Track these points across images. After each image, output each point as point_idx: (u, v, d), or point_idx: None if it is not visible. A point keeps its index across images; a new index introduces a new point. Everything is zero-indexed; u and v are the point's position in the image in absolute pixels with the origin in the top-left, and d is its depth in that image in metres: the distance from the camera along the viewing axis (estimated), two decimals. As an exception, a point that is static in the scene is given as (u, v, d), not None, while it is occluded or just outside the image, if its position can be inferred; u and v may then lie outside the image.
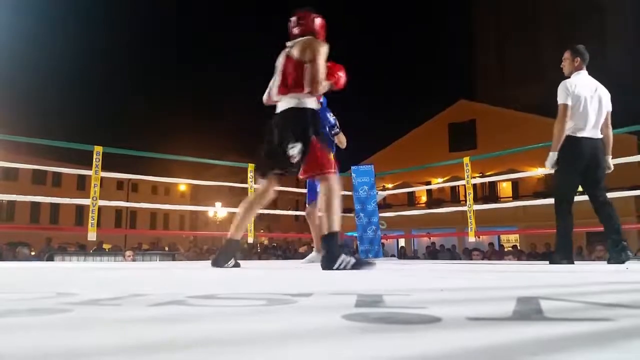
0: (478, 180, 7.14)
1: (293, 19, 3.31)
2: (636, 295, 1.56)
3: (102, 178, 5.56)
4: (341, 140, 4.80)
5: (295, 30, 3.29)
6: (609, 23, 34.60)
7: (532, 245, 13.55)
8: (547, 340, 0.73)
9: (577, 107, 3.94)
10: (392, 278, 2.47)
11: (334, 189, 3.08)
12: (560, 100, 3.98)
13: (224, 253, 3.28)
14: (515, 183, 24.37)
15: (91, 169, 5.47)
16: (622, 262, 3.73)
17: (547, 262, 4.24)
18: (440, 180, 23.21)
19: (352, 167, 7.04)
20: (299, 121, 3.09)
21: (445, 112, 27.29)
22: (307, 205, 4.91)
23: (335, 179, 3.11)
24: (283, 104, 3.17)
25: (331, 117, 4.76)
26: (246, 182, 6.68)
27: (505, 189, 25.18)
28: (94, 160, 5.47)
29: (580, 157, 3.93)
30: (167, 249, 16.11)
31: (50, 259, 8.24)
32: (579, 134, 3.94)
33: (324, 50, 3.12)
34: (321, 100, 4.62)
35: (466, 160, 6.51)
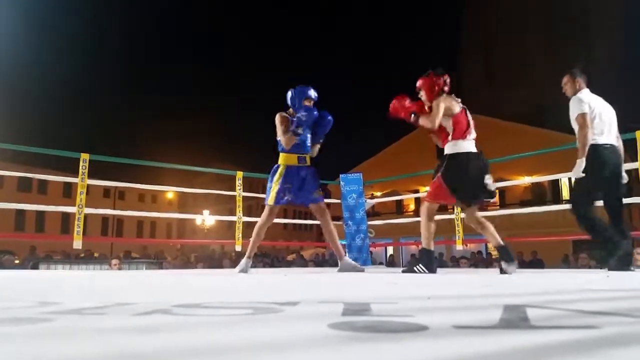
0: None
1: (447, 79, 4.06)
2: (619, 302, 1.57)
3: (88, 185, 5.51)
4: (316, 150, 4.58)
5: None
6: (599, 32, 35.11)
7: (519, 254, 13.60)
8: (532, 348, 0.73)
9: (593, 116, 4.00)
10: (380, 286, 2.47)
11: None
12: (577, 111, 4.02)
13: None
14: (502, 191, 24.50)
15: (77, 177, 5.43)
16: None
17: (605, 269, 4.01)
18: (427, 188, 23.28)
19: (340, 175, 7.05)
20: None
21: (433, 121, 27.42)
22: (276, 204, 4.36)
23: None
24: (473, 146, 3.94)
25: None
26: (234, 190, 6.64)
27: (493, 197, 25.31)
28: (80, 167, 5.42)
29: (605, 165, 3.96)
30: (154, 257, 15.95)
31: (35, 267, 8.13)
32: (601, 141, 3.97)
33: None
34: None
35: (454, 168, 6.53)
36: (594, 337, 0.84)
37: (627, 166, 5.75)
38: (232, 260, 13.34)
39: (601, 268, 3.95)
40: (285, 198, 4.35)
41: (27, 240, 12.31)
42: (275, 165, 4.44)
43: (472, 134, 3.95)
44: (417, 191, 21.71)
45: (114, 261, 7.72)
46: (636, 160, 4.74)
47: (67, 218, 31.90)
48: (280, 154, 4.44)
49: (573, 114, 4.08)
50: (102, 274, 4.87)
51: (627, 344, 0.79)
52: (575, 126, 4.10)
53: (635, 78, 34.62)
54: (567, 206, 4.27)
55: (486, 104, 31.68)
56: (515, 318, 1.01)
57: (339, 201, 7.11)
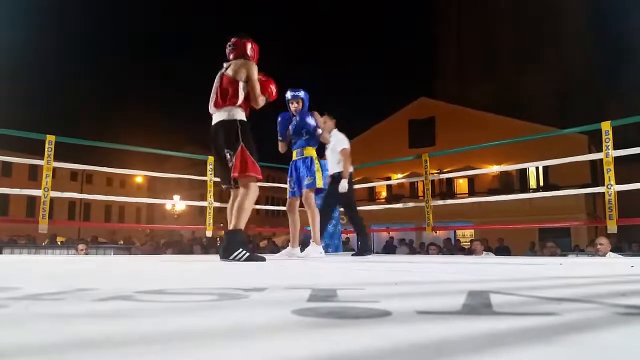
0: (436, 177, 7.24)
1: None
2: (580, 289, 1.60)
3: (55, 168, 5.37)
4: (324, 138, 5.07)
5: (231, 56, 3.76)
6: (566, 26, 35.72)
7: (485, 240, 13.88)
8: (494, 334, 0.74)
9: None
10: (350, 272, 2.48)
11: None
12: (346, 145, 5.39)
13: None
14: (471, 180, 24.90)
15: (43, 159, 5.28)
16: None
17: (356, 254, 5.38)
18: (400, 175, 23.51)
19: (312, 161, 7.02)
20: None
21: (406, 109, 27.58)
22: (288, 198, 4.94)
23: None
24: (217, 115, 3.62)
25: (312, 121, 4.84)
26: (205, 175, 6.57)
27: (462, 185, 25.68)
28: (46, 149, 5.28)
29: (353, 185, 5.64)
30: (122, 242, 15.73)
31: (-2, 251, 7.92)
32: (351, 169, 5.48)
33: (254, 69, 3.63)
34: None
35: (425, 156, 6.59)
36: (554, 323, 0.85)
37: (592, 156, 5.94)
38: (202, 246, 13.25)
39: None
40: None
41: (-10, 224, 11.99)
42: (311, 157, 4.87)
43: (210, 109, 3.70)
44: (389, 178, 21.90)
45: (81, 246, 7.57)
46: (601, 151, 4.85)
47: (32, 201, 31.18)
48: (312, 149, 4.91)
49: (340, 145, 5.37)
50: (67, 259, 4.77)
51: (587, 329, 0.80)
52: (334, 153, 5.42)
53: (605, 70, 35.49)
54: (533, 195, 4.41)
55: (456, 93, 32.04)
56: (478, 304, 1.02)
57: (310, 187, 7.09)
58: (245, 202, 3.43)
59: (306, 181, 4.75)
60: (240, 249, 3.25)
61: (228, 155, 3.46)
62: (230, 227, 3.42)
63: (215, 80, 3.68)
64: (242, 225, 3.39)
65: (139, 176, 37.66)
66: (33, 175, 31.41)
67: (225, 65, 3.72)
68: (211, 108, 3.64)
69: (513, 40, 36.71)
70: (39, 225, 5.21)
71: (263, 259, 3.38)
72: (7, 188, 6.49)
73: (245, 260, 3.22)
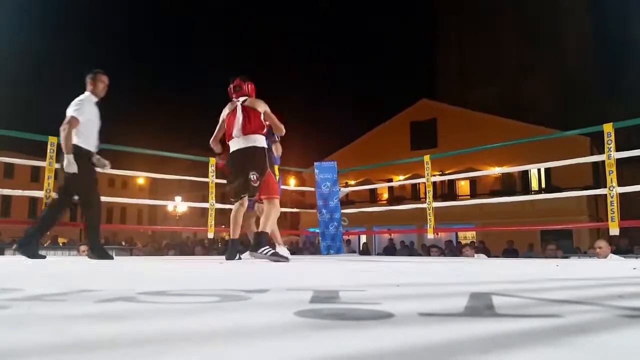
0: (437, 178, 7.24)
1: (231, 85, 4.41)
2: (583, 291, 1.60)
3: (57, 170, 5.38)
4: (277, 148, 5.02)
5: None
6: (568, 27, 35.73)
7: (482, 242, 13.83)
8: (496, 336, 0.74)
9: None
10: (351, 274, 2.47)
11: None
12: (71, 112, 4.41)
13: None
14: (473, 181, 24.87)
15: (45, 160, 5.29)
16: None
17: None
18: (401, 177, 23.49)
19: (315, 163, 7.03)
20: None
21: (407, 111, 27.57)
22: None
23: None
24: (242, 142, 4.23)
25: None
26: (207, 177, 6.57)
27: (464, 187, 25.66)
28: (48, 151, 5.29)
29: None
30: (124, 243, 15.73)
31: (0, 253, 7.94)
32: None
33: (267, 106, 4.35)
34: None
35: (426, 158, 6.58)
36: (557, 325, 0.84)
37: (594, 158, 5.93)
38: (204, 247, 13.24)
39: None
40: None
41: (-7, 225, 11.99)
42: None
43: (235, 134, 4.24)
44: (390, 180, 21.84)
45: (82, 247, 7.57)
46: (603, 152, 4.84)
47: (34, 203, 31.22)
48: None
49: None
50: (69, 260, 4.77)
51: (590, 332, 0.80)
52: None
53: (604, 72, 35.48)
54: (536, 197, 4.37)
55: (458, 95, 32.05)
56: (480, 306, 1.02)
57: (313, 189, 7.11)
58: (271, 214, 4.22)
59: None
60: (267, 247, 3.96)
61: (253, 177, 4.09)
62: (259, 229, 4.19)
63: (237, 111, 4.27)
64: (268, 230, 4.17)
65: (141, 177, 37.67)
66: (35, 177, 31.45)
67: (239, 99, 4.33)
68: (237, 132, 4.21)
69: (514, 41, 36.75)
70: (41, 226, 5.21)
71: (286, 259, 3.97)
72: (10, 189, 6.50)
73: (270, 255, 3.86)
